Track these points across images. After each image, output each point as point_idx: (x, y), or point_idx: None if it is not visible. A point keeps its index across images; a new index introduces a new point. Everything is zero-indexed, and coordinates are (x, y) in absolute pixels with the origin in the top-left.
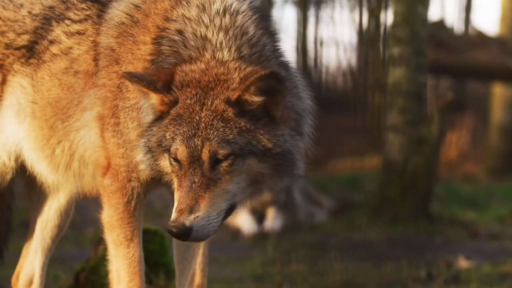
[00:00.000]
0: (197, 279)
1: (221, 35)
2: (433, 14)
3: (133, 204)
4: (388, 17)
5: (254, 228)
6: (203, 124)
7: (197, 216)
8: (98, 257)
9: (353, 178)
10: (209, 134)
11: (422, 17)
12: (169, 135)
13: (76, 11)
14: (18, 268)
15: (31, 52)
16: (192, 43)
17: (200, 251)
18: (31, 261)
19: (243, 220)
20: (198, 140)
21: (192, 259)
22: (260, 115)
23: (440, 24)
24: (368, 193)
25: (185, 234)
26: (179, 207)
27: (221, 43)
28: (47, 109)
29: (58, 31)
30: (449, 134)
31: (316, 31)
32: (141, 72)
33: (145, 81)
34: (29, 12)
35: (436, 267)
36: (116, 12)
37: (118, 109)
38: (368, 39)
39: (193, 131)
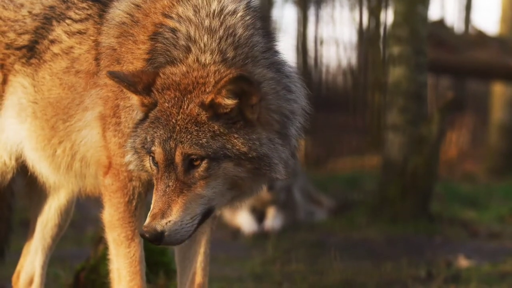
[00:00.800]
0: (198, 278)
1: (206, 37)
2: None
3: (134, 204)
4: (388, 16)
5: (254, 227)
6: (178, 128)
7: (169, 221)
8: (98, 256)
9: (353, 178)
10: (182, 138)
11: (422, 17)
12: (149, 138)
13: (77, 11)
14: (18, 267)
15: (32, 52)
16: (181, 43)
17: (201, 250)
18: (32, 260)
19: (243, 220)
20: (172, 143)
21: (193, 258)
22: (236, 118)
23: (440, 23)
24: (368, 192)
25: (157, 238)
26: (152, 212)
27: (205, 45)
28: (48, 109)
29: (59, 31)
30: (449, 133)
31: (316, 31)
32: (124, 72)
33: (126, 82)
34: (30, 12)
35: (436, 267)
36: (117, 12)
37: (119, 109)
38: (368, 38)
39: (169, 134)
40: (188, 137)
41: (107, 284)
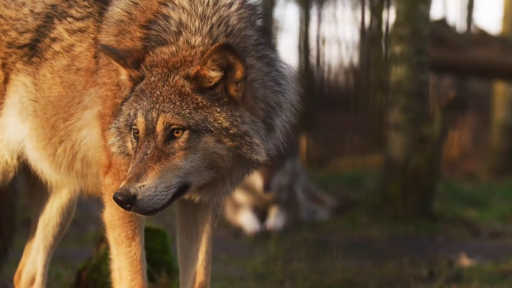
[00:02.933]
0: (201, 277)
1: (198, 22)
2: (435, 12)
3: None
4: (390, 15)
5: (256, 226)
6: (161, 98)
7: (143, 185)
8: (100, 255)
9: (355, 177)
10: (165, 107)
11: (424, 16)
12: (132, 112)
13: (78, 9)
14: (20, 266)
15: (33, 50)
16: (173, 28)
17: (203, 249)
18: (33, 259)
19: (245, 219)
20: (155, 112)
21: (196, 257)
22: (220, 95)
23: (442, 22)
24: (369, 191)
25: (129, 201)
26: (128, 177)
27: (196, 29)
28: (49, 108)
29: (60, 29)
30: (451, 132)
31: (318, 30)
32: (114, 47)
33: (117, 54)
34: (31, 11)
35: (438, 266)
36: (116, 10)
37: (118, 108)
38: (370, 37)
39: (152, 105)
40: (171, 107)
41: (109, 283)
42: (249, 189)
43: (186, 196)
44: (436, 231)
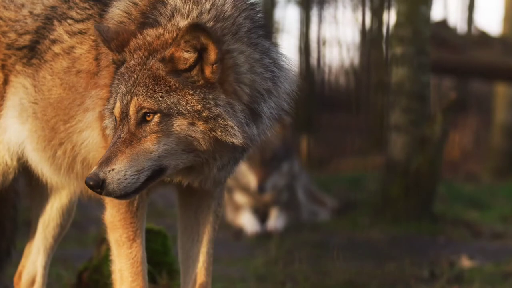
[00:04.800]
0: (202, 278)
1: (190, 5)
2: (436, 13)
3: (135, 204)
4: (391, 16)
5: (257, 227)
6: (137, 82)
7: (113, 169)
8: (101, 256)
9: (356, 178)
10: (138, 91)
11: (425, 17)
12: (113, 97)
13: (78, 10)
14: (20, 267)
15: (33, 52)
16: (167, 13)
17: (204, 250)
18: (33, 260)
19: (246, 220)
20: (129, 96)
21: (197, 258)
22: (196, 77)
23: (443, 23)
24: (371, 192)
25: (99, 186)
26: (100, 161)
27: (187, 13)
28: (48, 110)
29: (60, 31)
30: (452, 133)
31: (319, 31)
32: (108, 28)
33: (104, 36)
34: (31, 12)
35: (439, 267)
36: (116, 11)
37: None
38: (371, 38)
39: (128, 89)
40: (144, 90)
41: (110, 285)
42: (247, 190)
43: (175, 180)
44: (437, 232)
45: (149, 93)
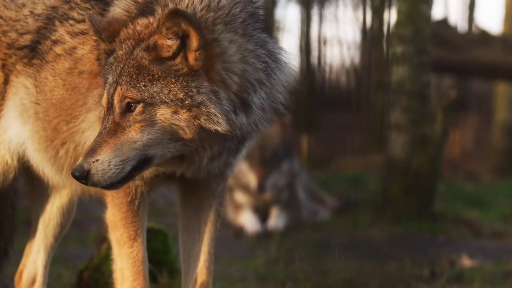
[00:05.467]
0: (203, 277)
1: None
2: (437, 12)
3: (136, 203)
4: (391, 15)
5: (257, 227)
6: (122, 72)
7: (97, 160)
8: (101, 255)
9: (356, 177)
10: (122, 80)
11: (426, 16)
12: (102, 92)
13: (79, 11)
14: (20, 266)
15: (33, 52)
16: (163, 2)
17: (205, 249)
18: (34, 259)
19: (246, 219)
20: (114, 86)
21: (198, 257)
22: (180, 65)
23: (444, 22)
24: (371, 191)
25: (83, 176)
26: (85, 151)
27: (178, 2)
28: (51, 110)
29: (61, 31)
30: (452, 132)
31: (319, 30)
32: (100, 19)
33: (96, 27)
34: (31, 12)
35: (439, 266)
36: (117, 10)
37: None
38: (371, 37)
39: (114, 79)
40: (128, 80)
41: (111, 284)
42: (247, 189)
43: (168, 171)
44: (437, 231)
45: (132, 83)
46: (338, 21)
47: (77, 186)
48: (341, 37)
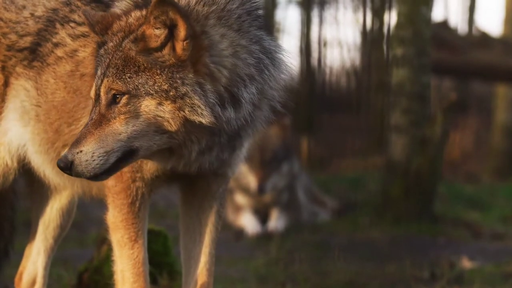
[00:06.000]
0: (203, 278)
1: None
2: (437, 14)
3: (137, 205)
4: (391, 17)
5: (257, 228)
6: (110, 64)
7: (81, 151)
8: (101, 257)
9: (356, 178)
10: (109, 72)
11: (426, 18)
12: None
13: (80, 13)
14: (20, 268)
15: (34, 54)
16: None
17: (206, 250)
18: (34, 261)
19: (246, 221)
20: (102, 78)
21: (198, 258)
22: (168, 56)
23: (444, 24)
24: (371, 193)
25: (67, 167)
26: (71, 143)
27: None
28: (52, 113)
29: (62, 34)
30: (452, 134)
31: (319, 32)
32: (95, 13)
33: (89, 20)
34: (32, 14)
35: (439, 267)
36: (117, 12)
37: None
38: (371, 39)
39: (102, 71)
40: (114, 71)
41: (111, 286)
42: (247, 191)
43: (157, 161)
44: (437, 232)
45: (118, 74)
46: (338, 23)
47: (78, 187)
48: (341, 39)
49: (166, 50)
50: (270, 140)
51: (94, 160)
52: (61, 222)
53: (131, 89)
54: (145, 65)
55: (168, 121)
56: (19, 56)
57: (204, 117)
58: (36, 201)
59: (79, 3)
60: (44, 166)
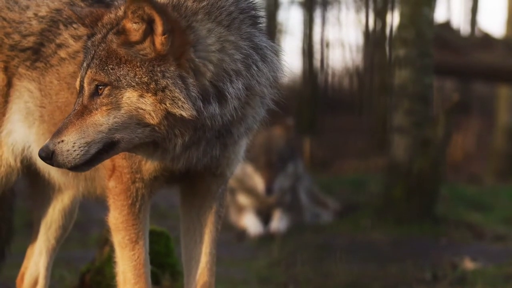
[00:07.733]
0: (205, 278)
1: None
2: (439, 15)
3: (137, 206)
4: (394, 18)
5: (259, 229)
6: (94, 55)
7: (62, 141)
8: (103, 258)
9: (358, 180)
10: (92, 64)
11: (428, 19)
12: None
13: None
14: (22, 269)
15: (37, 55)
16: None
17: (207, 251)
18: (36, 262)
19: (248, 221)
20: (86, 69)
21: (200, 258)
22: (149, 49)
23: (446, 25)
24: (373, 194)
25: (48, 157)
26: (53, 133)
27: None
28: (56, 113)
29: (66, 35)
30: (455, 135)
31: (322, 33)
32: (82, 9)
33: (77, 14)
34: (35, 14)
35: (441, 269)
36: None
37: None
38: (374, 40)
39: (87, 62)
40: (97, 63)
41: (113, 286)
42: (251, 192)
43: (145, 155)
44: (439, 234)
45: (101, 66)
46: (341, 24)
47: (83, 187)
48: (343, 39)
49: (146, 44)
50: (275, 141)
51: (75, 151)
52: (63, 223)
53: (113, 80)
54: (126, 58)
55: (149, 114)
56: (22, 56)
57: (185, 110)
58: (38, 202)
59: (82, 4)
60: (50, 167)
